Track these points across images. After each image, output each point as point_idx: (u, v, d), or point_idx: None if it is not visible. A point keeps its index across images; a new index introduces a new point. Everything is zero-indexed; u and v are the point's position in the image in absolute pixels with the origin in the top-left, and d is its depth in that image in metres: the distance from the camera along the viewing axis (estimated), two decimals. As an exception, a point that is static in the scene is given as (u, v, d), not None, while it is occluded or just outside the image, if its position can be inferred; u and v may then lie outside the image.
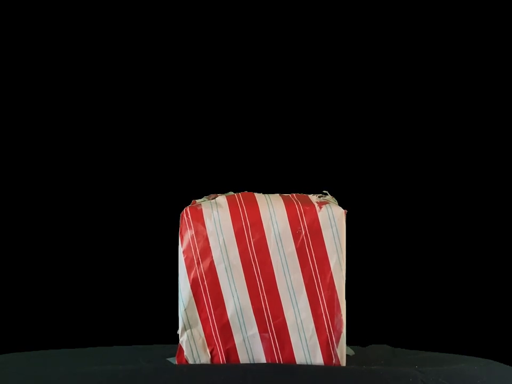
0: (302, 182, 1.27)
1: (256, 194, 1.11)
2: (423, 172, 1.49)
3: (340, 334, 1.07)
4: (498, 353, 1.26)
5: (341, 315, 1.07)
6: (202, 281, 1.07)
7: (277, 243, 1.07)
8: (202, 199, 1.11)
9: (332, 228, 1.06)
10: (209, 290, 1.07)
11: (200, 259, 1.07)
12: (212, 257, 1.07)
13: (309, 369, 1.04)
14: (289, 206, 1.08)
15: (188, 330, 1.08)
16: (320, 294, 1.06)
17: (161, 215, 1.38)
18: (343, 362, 1.07)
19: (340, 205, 1.09)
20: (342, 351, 1.07)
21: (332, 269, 1.06)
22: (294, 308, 1.07)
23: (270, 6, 1.47)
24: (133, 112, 1.48)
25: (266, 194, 1.11)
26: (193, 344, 1.08)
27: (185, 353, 1.08)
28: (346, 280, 1.07)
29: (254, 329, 1.07)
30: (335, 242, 1.06)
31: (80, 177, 1.47)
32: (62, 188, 1.47)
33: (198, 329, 1.08)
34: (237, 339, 1.07)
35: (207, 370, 1.03)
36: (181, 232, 1.08)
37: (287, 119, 1.49)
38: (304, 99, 1.49)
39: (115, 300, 1.46)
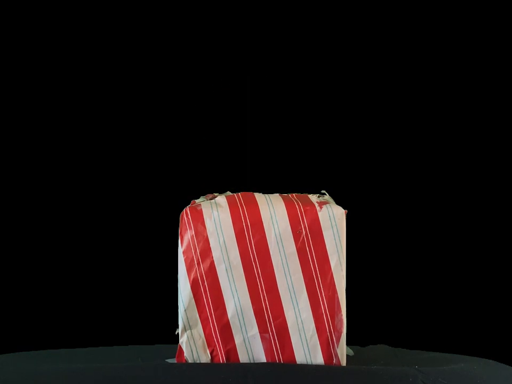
0: (302, 182, 1.27)
1: (256, 194, 1.11)
2: (423, 172, 1.49)
3: (341, 334, 1.07)
4: (498, 353, 1.26)
5: (342, 315, 1.07)
6: (203, 282, 1.07)
7: (278, 243, 1.07)
8: (200, 199, 1.11)
9: (332, 228, 1.06)
10: (209, 291, 1.07)
11: (200, 259, 1.07)
12: (212, 257, 1.07)
13: (309, 368, 1.04)
14: (289, 206, 1.08)
15: (188, 331, 1.08)
16: (321, 294, 1.06)
17: (161, 215, 1.38)
18: (344, 362, 1.07)
19: (339, 205, 1.09)
20: (342, 351, 1.07)
21: (332, 269, 1.06)
22: (294, 308, 1.07)
23: (267, 6, 1.47)
24: (133, 113, 1.48)
25: (266, 194, 1.11)
26: (193, 344, 1.08)
27: (185, 354, 1.08)
28: (346, 280, 1.07)
29: (254, 330, 1.07)
30: (335, 242, 1.06)
31: (80, 178, 1.47)
32: (62, 189, 1.47)
33: (198, 330, 1.08)
34: (237, 339, 1.07)
35: (207, 370, 1.03)
36: (180, 233, 1.08)
37: (286, 119, 1.49)
38: (303, 99, 1.49)
39: (115, 300, 1.46)
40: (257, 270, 1.07)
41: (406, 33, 1.47)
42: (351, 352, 1.17)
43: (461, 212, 1.49)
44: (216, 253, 1.07)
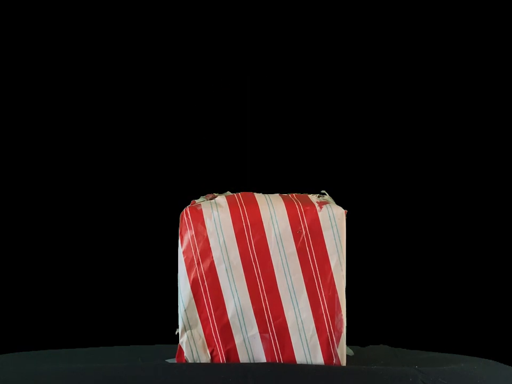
0: (302, 182, 1.27)
1: (256, 194, 1.11)
2: (423, 172, 1.49)
3: (340, 334, 1.07)
4: (498, 353, 1.26)
5: (342, 315, 1.07)
6: (203, 282, 1.07)
7: (278, 243, 1.07)
8: (200, 199, 1.11)
9: (332, 228, 1.06)
10: (209, 291, 1.07)
11: (200, 259, 1.07)
12: (212, 257, 1.07)
13: (309, 368, 1.04)
14: (289, 206, 1.08)
15: (188, 331, 1.08)
16: (321, 294, 1.06)
17: (161, 215, 1.38)
18: (344, 362, 1.08)
19: (339, 205, 1.09)
20: (342, 351, 1.07)
21: (332, 269, 1.06)
22: (294, 308, 1.07)
23: (267, 6, 1.47)
24: (133, 114, 1.48)
25: (266, 194, 1.11)
26: (193, 344, 1.08)
27: (185, 354, 1.08)
28: (346, 280, 1.07)
29: (254, 330, 1.07)
30: (335, 242, 1.06)
31: (80, 178, 1.47)
32: (62, 189, 1.47)
33: (198, 330, 1.08)
34: (237, 339, 1.07)
35: (207, 370, 1.03)
36: (180, 233, 1.08)
37: (286, 119, 1.49)
38: (303, 99, 1.49)
39: (115, 300, 1.46)
40: (257, 270, 1.07)
41: (405, 33, 1.47)
42: (351, 352, 1.17)
43: (461, 212, 1.49)
44: (216, 253, 1.07)
